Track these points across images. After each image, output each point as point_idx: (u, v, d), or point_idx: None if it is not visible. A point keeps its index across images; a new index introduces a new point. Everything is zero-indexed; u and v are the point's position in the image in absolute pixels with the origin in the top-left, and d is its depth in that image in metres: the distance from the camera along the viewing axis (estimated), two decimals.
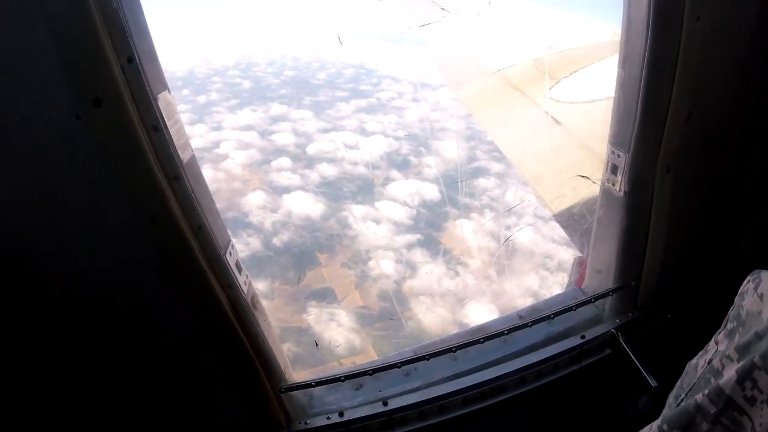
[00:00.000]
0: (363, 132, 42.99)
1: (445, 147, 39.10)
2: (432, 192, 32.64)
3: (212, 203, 1.64)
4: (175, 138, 1.41)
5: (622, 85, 2.06)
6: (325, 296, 24.43)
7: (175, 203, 1.44)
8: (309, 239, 28.61)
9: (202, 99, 48.04)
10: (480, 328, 2.44)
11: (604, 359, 2.35)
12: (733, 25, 2.00)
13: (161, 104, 1.36)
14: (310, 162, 37.58)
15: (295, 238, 28.44)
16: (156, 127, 1.36)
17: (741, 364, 1.05)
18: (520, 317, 2.42)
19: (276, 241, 27.76)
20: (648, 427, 1.21)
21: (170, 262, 1.54)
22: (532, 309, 2.50)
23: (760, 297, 1.11)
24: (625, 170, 2.13)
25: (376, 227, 29.54)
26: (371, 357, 20.31)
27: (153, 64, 1.36)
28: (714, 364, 1.14)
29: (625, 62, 2.03)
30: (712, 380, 1.10)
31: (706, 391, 1.10)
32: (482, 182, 32.73)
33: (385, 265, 26.19)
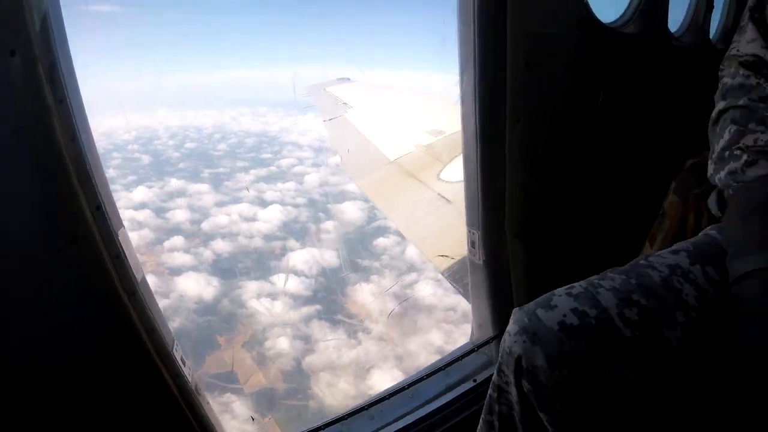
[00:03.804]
0: (261, 203, 42.27)
1: (345, 210, 39.55)
2: (331, 258, 32.51)
3: (160, 311, 1.93)
4: (131, 264, 1.73)
5: (467, 178, 2.51)
6: (227, 380, 23.06)
7: (134, 313, 1.73)
8: (202, 323, 27.13)
9: None
10: (388, 388, 2.71)
11: None
12: (551, 115, 2.42)
13: (121, 239, 1.69)
14: (205, 239, 36.16)
15: (187, 324, 26.89)
16: (118, 256, 1.68)
17: None
18: (419, 373, 2.76)
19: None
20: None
21: (130, 360, 1.79)
22: (431, 365, 2.83)
23: None
24: (480, 243, 2.52)
25: (273, 303, 28.61)
26: None
27: (113, 208, 1.68)
28: None
29: (466, 160, 2.47)
30: None
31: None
32: (382, 241, 33.22)
33: (283, 343, 25.32)
